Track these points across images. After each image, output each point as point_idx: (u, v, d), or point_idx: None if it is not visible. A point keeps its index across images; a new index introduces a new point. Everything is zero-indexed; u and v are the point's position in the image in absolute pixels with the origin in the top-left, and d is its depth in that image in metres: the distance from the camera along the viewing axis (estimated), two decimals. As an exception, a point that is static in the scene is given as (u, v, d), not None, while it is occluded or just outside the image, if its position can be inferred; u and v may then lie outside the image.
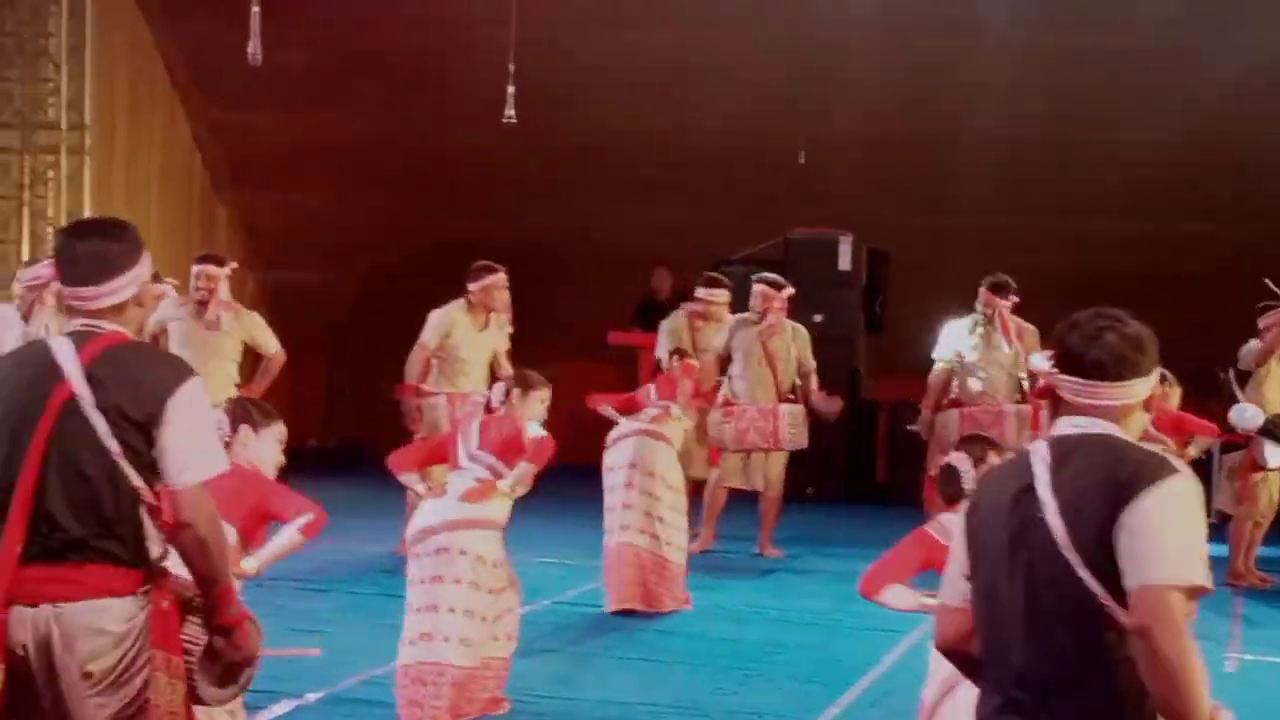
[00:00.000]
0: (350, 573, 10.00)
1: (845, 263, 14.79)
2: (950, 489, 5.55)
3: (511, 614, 7.21)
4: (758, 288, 11.44)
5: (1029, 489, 3.39)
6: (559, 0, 14.30)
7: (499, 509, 7.14)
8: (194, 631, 4.15)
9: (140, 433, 3.97)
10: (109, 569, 3.99)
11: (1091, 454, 3.37)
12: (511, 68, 12.57)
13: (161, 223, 15.65)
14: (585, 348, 14.18)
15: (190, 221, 16.64)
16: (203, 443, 4.07)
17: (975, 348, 11.06)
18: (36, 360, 4.10)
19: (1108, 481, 3.29)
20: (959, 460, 5.60)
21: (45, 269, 8.50)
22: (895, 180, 15.34)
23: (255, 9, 10.16)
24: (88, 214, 14.72)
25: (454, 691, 6.86)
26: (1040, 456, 3.42)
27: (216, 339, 10.17)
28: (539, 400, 7.37)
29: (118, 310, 4.12)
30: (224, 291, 10.34)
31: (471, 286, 10.64)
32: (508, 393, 7.37)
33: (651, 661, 8.46)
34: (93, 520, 3.98)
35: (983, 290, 11.06)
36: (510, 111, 12.62)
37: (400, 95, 15.65)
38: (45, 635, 3.96)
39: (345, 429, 17.45)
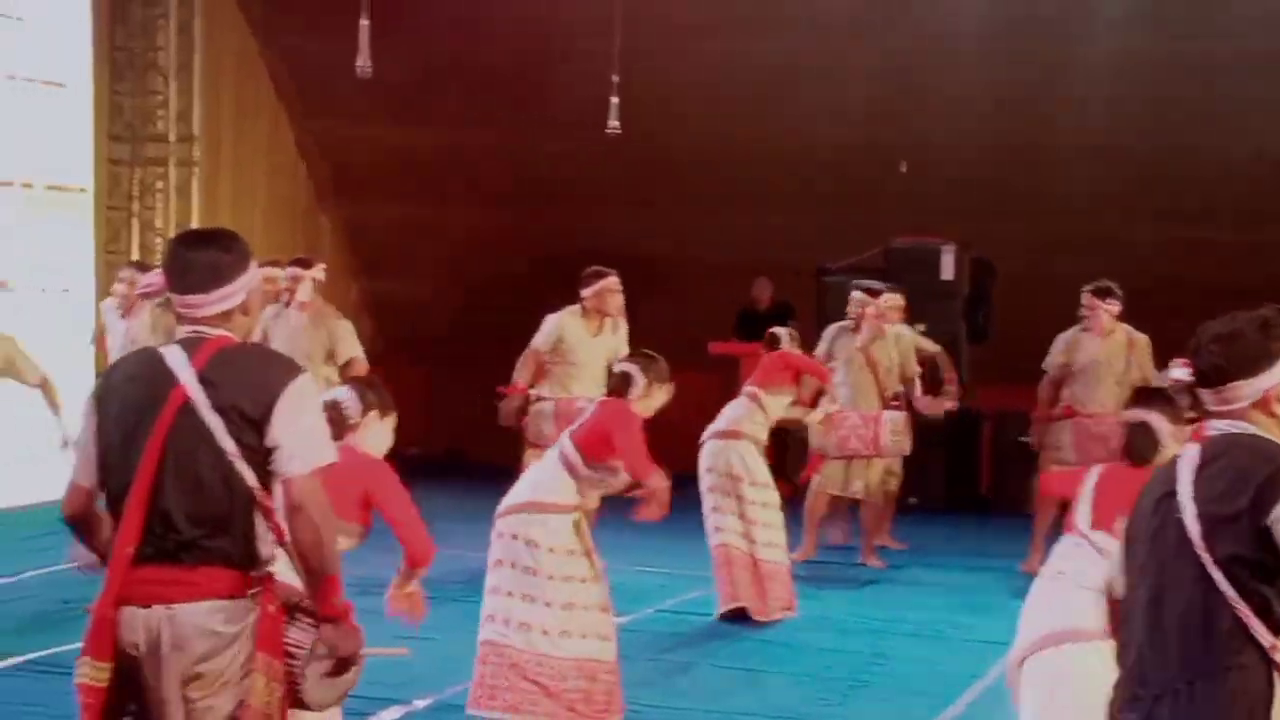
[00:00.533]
0: (456, 580, 10.03)
1: (948, 272, 14.64)
2: (1142, 449, 5.39)
3: (595, 611, 6.95)
4: (854, 294, 11.42)
5: (1172, 493, 3.44)
6: (659, 10, 14.31)
7: (571, 493, 6.95)
8: (297, 636, 4.20)
9: (255, 430, 4.07)
10: (221, 570, 4.07)
11: (1235, 455, 3.42)
12: (615, 78, 12.60)
13: (266, 231, 15.82)
14: (686, 358, 14.10)
15: (295, 230, 16.81)
16: (315, 434, 4.17)
17: (1080, 356, 10.95)
18: (150, 365, 4.20)
19: (1248, 482, 3.32)
20: (1155, 420, 5.43)
21: (158, 278, 8.63)
22: (999, 188, 15.18)
23: (364, 22, 10.19)
24: (195, 225, 14.99)
25: (513, 673, 6.81)
26: (1189, 460, 3.47)
27: (304, 342, 10.13)
28: (661, 391, 7.16)
29: (225, 317, 4.23)
30: (303, 293, 10.27)
31: (584, 292, 10.62)
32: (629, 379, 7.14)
33: (755, 671, 8.45)
34: (207, 521, 4.06)
35: (1084, 294, 10.95)
36: (614, 122, 12.66)
37: (502, 107, 15.72)
38: (157, 636, 4.04)
39: (447, 437, 17.52)
